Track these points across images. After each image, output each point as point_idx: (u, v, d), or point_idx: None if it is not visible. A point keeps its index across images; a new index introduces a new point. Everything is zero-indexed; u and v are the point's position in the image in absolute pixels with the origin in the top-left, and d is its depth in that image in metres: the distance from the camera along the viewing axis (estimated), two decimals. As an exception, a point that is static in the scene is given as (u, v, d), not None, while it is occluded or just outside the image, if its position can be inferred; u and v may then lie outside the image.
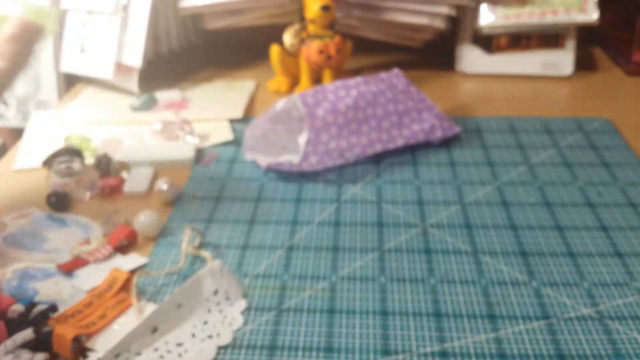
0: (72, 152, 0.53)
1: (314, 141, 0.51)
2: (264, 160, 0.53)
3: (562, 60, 0.70)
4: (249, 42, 0.80)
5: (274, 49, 0.68)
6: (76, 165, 0.51)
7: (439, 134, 0.56)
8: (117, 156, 0.55)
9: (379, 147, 0.53)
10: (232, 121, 0.62)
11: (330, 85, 0.55)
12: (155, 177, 0.53)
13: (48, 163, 0.53)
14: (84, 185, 0.50)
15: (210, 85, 0.73)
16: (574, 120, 0.60)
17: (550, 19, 0.67)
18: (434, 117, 0.56)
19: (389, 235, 0.45)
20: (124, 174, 0.53)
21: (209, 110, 0.66)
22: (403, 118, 0.55)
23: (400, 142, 0.54)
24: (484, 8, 0.69)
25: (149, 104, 0.66)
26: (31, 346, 0.35)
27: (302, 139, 0.51)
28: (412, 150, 0.56)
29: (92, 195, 0.51)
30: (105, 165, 0.53)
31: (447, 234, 0.45)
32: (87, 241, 0.45)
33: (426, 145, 0.56)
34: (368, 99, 0.54)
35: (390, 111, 0.55)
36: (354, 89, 0.55)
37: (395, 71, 0.59)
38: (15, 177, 0.55)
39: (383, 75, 0.58)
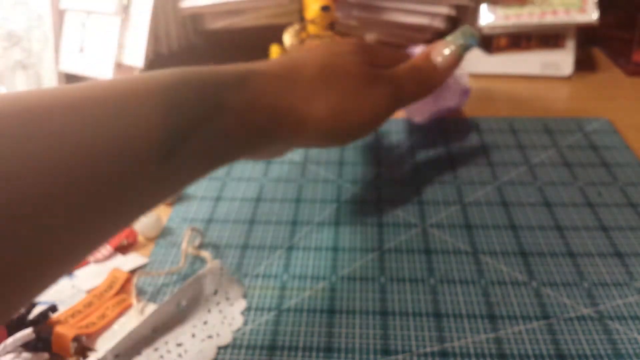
0: None
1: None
2: None
3: (562, 60, 0.70)
4: (249, 42, 0.80)
5: (274, 49, 0.68)
6: None
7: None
8: None
9: None
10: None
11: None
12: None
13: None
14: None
15: None
16: (574, 120, 0.60)
17: (550, 19, 0.67)
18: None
19: (389, 235, 0.45)
20: None
21: None
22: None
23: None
24: (484, 8, 0.69)
25: None
26: (31, 346, 0.35)
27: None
28: (412, 150, 0.56)
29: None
30: None
31: (447, 234, 0.45)
32: (87, 241, 0.45)
33: (426, 145, 0.56)
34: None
35: None
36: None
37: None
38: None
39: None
